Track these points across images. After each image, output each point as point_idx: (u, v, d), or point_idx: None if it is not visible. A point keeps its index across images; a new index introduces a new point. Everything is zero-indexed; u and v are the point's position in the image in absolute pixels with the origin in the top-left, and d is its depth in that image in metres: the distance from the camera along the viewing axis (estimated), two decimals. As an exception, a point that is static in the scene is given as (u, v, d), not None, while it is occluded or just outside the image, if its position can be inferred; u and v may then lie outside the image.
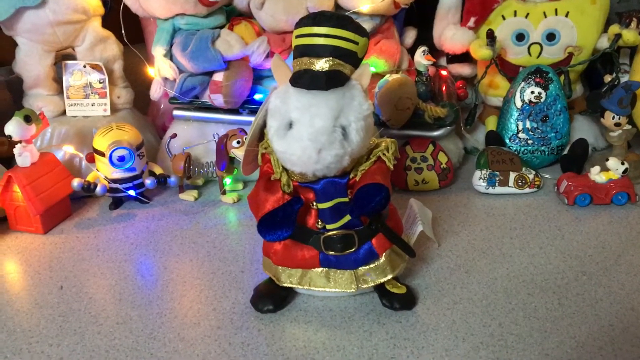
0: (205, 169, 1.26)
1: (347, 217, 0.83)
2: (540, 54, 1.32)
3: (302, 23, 0.80)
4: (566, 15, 1.30)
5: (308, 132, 0.75)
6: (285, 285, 0.88)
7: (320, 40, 0.77)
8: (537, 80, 1.27)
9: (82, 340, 0.84)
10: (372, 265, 0.86)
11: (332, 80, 0.77)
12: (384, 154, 0.83)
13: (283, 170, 0.82)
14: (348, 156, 0.78)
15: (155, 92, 1.30)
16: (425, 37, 1.41)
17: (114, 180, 1.18)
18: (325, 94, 0.76)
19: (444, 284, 0.93)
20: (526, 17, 1.31)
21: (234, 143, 1.17)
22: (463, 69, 1.47)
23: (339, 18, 0.79)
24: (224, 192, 1.24)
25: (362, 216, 0.83)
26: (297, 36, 0.80)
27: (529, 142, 1.29)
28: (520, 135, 1.29)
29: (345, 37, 0.78)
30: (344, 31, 0.77)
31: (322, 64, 0.78)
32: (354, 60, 0.80)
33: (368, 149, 0.83)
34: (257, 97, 1.29)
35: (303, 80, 0.77)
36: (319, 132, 0.75)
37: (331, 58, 0.78)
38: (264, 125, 0.83)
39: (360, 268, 0.86)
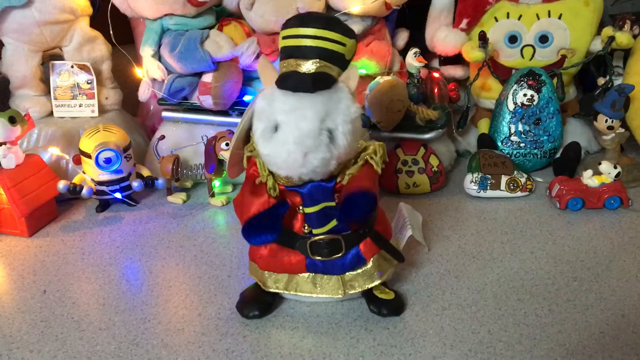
0: (194, 171, 1.24)
1: (334, 222, 0.82)
2: (533, 56, 1.31)
3: (289, 24, 0.79)
4: (559, 18, 1.29)
5: (294, 135, 0.74)
6: (271, 290, 0.87)
7: (307, 41, 0.76)
8: (530, 82, 1.26)
9: (63, 346, 0.82)
10: (359, 271, 0.84)
11: (319, 83, 0.75)
12: (371, 158, 0.82)
13: (269, 174, 0.81)
14: (335, 160, 0.77)
15: (144, 93, 1.28)
16: (417, 39, 1.40)
17: (101, 183, 1.16)
18: (311, 96, 0.74)
19: (433, 289, 0.92)
20: (519, 19, 1.30)
21: (223, 145, 1.15)
22: (455, 71, 1.46)
23: (326, 19, 0.78)
24: (212, 195, 1.22)
25: (349, 224, 0.82)
26: (284, 37, 0.79)
27: (522, 145, 1.28)
28: (513, 138, 1.28)
29: (333, 38, 0.76)
30: (331, 32, 0.76)
31: (308, 66, 0.76)
32: (342, 62, 0.79)
33: (356, 152, 0.82)
34: (246, 98, 1.28)
35: (289, 82, 0.76)
36: (304, 135, 0.74)
37: (318, 60, 0.76)
38: (250, 128, 0.82)
39: (347, 273, 0.84)
